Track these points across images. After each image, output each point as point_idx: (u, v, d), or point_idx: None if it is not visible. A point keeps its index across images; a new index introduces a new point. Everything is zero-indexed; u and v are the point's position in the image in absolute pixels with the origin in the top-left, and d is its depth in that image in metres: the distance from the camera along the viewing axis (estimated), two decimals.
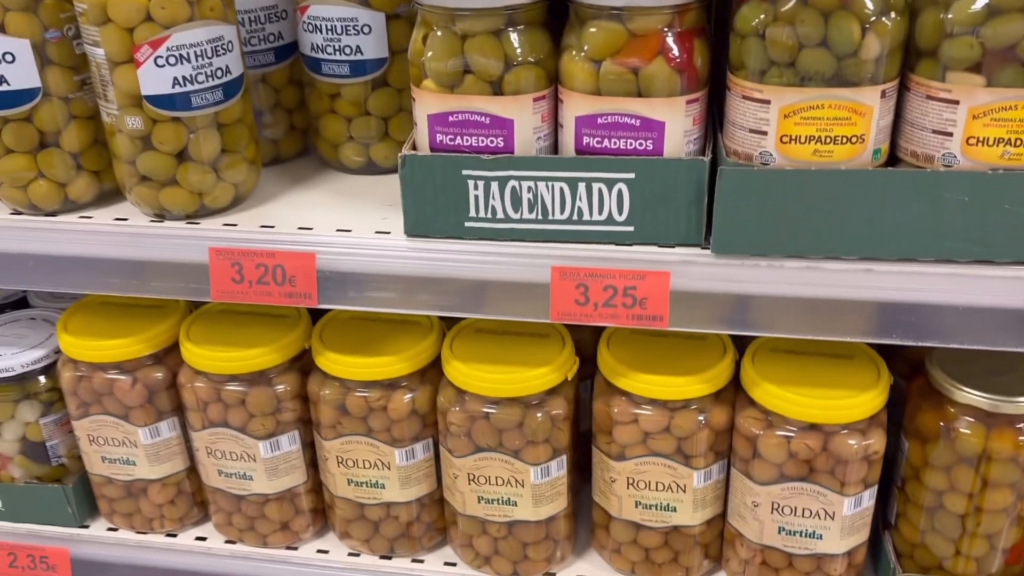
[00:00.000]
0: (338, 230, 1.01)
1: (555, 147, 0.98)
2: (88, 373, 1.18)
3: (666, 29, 0.89)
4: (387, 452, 1.15)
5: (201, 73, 0.97)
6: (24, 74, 0.99)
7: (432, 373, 1.15)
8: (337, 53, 1.08)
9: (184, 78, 0.96)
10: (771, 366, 1.07)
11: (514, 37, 0.92)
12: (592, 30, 0.90)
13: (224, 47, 0.99)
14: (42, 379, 1.25)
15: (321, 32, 1.07)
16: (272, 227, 1.03)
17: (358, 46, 1.07)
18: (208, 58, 0.97)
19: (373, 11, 1.06)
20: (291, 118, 1.20)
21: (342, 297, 1.02)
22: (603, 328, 1.16)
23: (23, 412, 1.25)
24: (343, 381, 1.13)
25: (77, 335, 1.18)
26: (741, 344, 1.12)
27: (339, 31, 1.06)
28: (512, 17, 0.91)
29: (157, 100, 0.96)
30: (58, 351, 1.24)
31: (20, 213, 1.07)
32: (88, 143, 1.06)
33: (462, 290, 0.99)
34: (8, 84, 0.98)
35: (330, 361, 1.12)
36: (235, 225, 1.03)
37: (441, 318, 1.18)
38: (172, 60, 0.95)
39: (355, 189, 1.13)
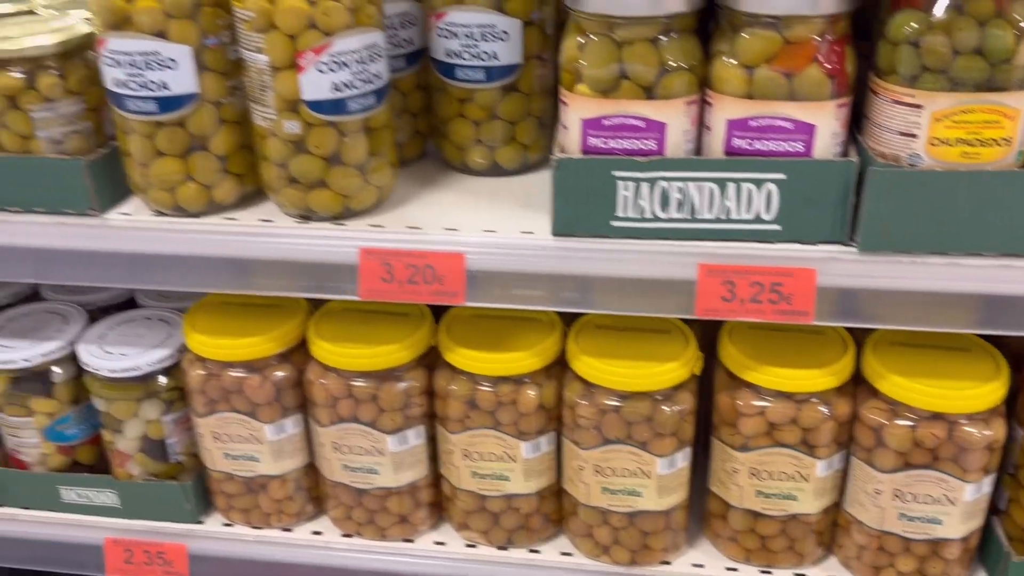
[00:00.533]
0: (484, 231, 1.05)
1: (698, 149, 1.02)
2: (216, 371, 1.21)
3: (820, 36, 0.93)
4: (513, 445, 1.18)
5: (358, 79, 1.00)
6: (184, 80, 1.01)
7: (556, 368, 1.19)
8: (473, 59, 1.11)
9: (343, 83, 0.99)
10: (893, 358, 1.11)
11: (669, 44, 0.95)
12: (747, 37, 0.94)
13: (378, 53, 1.02)
14: (163, 379, 1.27)
15: (458, 38, 1.10)
16: (419, 228, 1.06)
17: (495, 52, 1.10)
18: (364, 64, 1.00)
19: (510, 17, 1.09)
20: (416, 122, 1.23)
21: (487, 295, 1.05)
22: (709, 324, 1.20)
23: (145, 410, 1.27)
24: (472, 376, 1.16)
25: (206, 334, 1.20)
26: (854, 338, 1.16)
27: (477, 37, 1.10)
28: (668, 24, 0.95)
29: (316, 105, 0.99)
30: (181, 350, 1.26)
31: (163, 215, 1.10)
32: (235, 147, 1.08)
33: (607, 287, 1.03)
34: (168, 90, 1.01)
35: (461, 356, 1.16)
36: (382, 227, 1.07)
37: (559, 314, 1.22)
38: (334, 66, 0.98)
39: (484, 190, 1.17)
